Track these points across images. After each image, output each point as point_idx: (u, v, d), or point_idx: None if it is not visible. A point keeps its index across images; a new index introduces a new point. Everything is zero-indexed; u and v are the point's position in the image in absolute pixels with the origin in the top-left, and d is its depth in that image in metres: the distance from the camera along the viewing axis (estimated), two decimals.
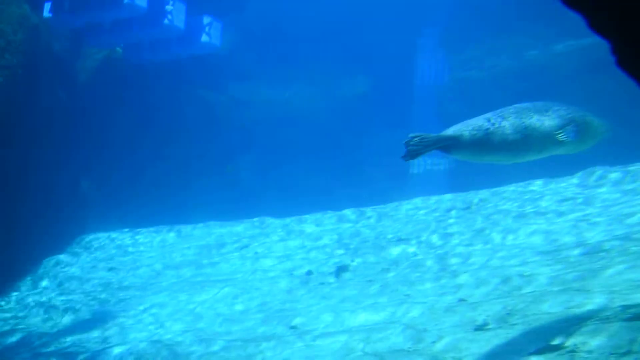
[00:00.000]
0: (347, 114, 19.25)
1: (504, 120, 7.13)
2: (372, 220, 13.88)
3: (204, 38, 17.53)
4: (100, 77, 18.18)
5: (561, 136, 7.05)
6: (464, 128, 7.20)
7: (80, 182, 17.20)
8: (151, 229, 16.14)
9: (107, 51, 18.40)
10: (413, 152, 7.03)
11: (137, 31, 16.78)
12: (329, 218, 14.64)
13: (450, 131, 7.25)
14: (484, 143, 7.10)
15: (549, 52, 17.73)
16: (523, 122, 7.07)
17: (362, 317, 8.39)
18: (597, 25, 3.12)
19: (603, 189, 11.70)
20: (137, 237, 15.88)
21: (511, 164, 7.90)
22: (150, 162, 18.07)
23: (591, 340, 5.86)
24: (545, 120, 7.06)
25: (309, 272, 11.07)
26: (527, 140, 7.08)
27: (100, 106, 17.71)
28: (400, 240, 11.76)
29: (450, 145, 7.17)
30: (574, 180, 12.64)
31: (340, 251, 11.89)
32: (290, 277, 11.00)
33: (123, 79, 18.13)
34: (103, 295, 12.37)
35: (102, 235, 16.21)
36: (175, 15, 16.65)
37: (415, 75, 19.98)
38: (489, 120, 7.21)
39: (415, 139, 7.06)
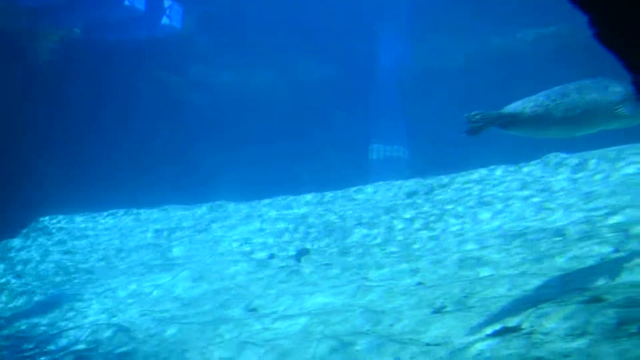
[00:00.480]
0: (308, 99, 19.19)
1: (564, 97, 7.29)
2: (332, 205, 13.87)
3: (165, 20, 17.35)
4: (58, 58, 17.85)
5: (619, 111, 7.20)
6: (524, 105, 7.32)
7: (36, 164, 16.90)
8: (109, 212, 15.95)
9: (65, 31, 18.07)
10: (475, 128, 7.13)
11: (96, 12, 16.52)
12: (289, 202, 14.61)
13: (511, 108, 7.36)
14: (545, 119, 7.27)
15: (511, 41, 17.86)
16: (583, 98, 7.24)
17: (322, 300, 8.36)
18: None
19: (561, 176, 11.83)
20: (94, 220, 15.68)
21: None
22: (109, 144, 17.82)
23: (547, 323, 5.90)
24: (604, 95, 7.24)
25: (271, 256, 11.01)
26: (586, 116, 7.26)
27: (58, 86, 17.39)
28: (360, 224, 11.76)
29: (510, 121, 7.29)
30: (533, 166, 12.76)
31: (300, 235, 11.86)
32: (248, 261, 10.93)
33: (81, 60, 17.82)
34: (58, 279, 12.19)
35: (59, 218, 15.97)
36: None
37: (378, 61, 19.98)
38: (549, 97, 7.35)
39: (477, 115, 7.14)
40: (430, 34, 18.92)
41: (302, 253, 10.69)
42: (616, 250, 7.45)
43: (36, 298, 11.43)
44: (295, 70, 19.47)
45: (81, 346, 8.67)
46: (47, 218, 15.99)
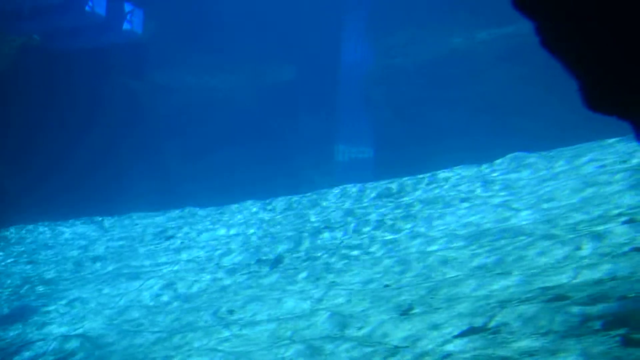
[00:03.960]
0: (273, 102, 19.19)
1: None
2: (299, 209, 13.88)
3: (126, 26, 17.25)
4: (18, 65, 17.62)
5: None
6: None
7: None
8: (74, 221, 15.77)
9: (24, 38, 17.83)
10: None
11: (57, 18, 16.36)
12: (256, 207, 14.58)
13: None
14: None
15: (472, 40, 18.01)
16: None
17: (290, 305, 8.38)
18: (522, 5, 3.18)
19: (523, 174, 11.97)
20: (58, 229, 15.49)
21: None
22: (72, 152, 17.64)
23: (513, 322, 5.99)
24: None
25: (239, 262, 10.98)
26: None
27: (18, 95, 17.18)
28: (327, 228, 11.79)
29: None
30: (496, 166, 12.89)
31: (269, 240, 11.85)
32: (216, 267, 10.91)
33: (41, 67, 17.62)
34: (23, 290, 12.03)
35: (23, 228, 15.76)
36: (96, 1, 16.31)
37: (340, 62, 20.04)
38: None
39: None
40: (391, 33, 19.02)
41: (270, 258, 10.67)
42: (578, 248, 7.58)
43: (1, 310, 11.28)
44: (260, 74, 19.46)
45: (48, 358, 8.59)
46: (10, 229, 15.77)
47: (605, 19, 2.85)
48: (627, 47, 2.85)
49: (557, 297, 6.27)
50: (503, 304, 6.48)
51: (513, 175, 12.09)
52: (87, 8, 16.01)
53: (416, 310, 7.13)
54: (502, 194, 11.19)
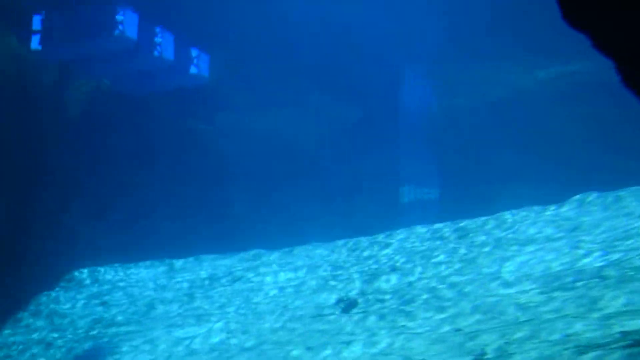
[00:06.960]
0: (336, 142, 19.27)
1: None
2: (365, 251, 13.82)
3: (193, 70, 17.63)
4: (88, 109, 18.12)
5: None
6: None
7: (67, 216, 17.00)
8: (143, 263, 15.99)
9: (95, 83, 18.35)
10: None
11: (126, 63, 16.82)
12: (322, 249, 14.56)
13: None
14: None
15: (535, 79, 17.87)
16: None
17: (360, 350, 8.32)
18: (602, 45, 3.16)
19: (593, 215, 11.73)
20: (128, 271, 15.73)
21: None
22: (140, 195, 17.96)
23: None
24: None
25: (307, 305, 10.96)
26: None
27: (87, 138, 17.62)
28: (394, 270, 11.70)
29: None
30: (566, 206, 12.67)
31: (335, 283, 11.82)
32: (284, 311, 10.91)
33: (110, 111, 18.08)
34: (95, 332, 12.23)
35: (93, 270, 16.05)
36: (164, 47, 16.73)
37: (404, 103, 20.06)
38: None
39: None
40: (455, 73, 19.02)
41: (341, 302, 10.62)
42: None
43: (74, 352, 11.48)
44: (323, 113, 19.61)
45: None
46: (82, 270, 16.09)
47: None
48: None
49: (637, 343, 6.10)
50: (581, 349, 6.32)
51: (583, 216, 11.86)
52: (155, 53, 16.42)
53: (489, 356, 7.02)
54: (573, 234, 10.97)
